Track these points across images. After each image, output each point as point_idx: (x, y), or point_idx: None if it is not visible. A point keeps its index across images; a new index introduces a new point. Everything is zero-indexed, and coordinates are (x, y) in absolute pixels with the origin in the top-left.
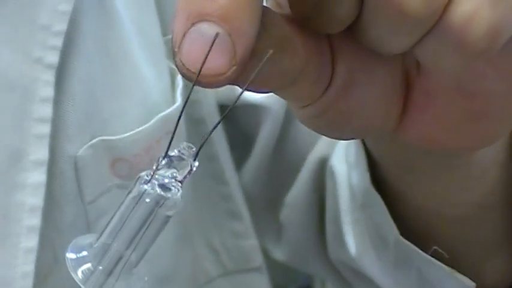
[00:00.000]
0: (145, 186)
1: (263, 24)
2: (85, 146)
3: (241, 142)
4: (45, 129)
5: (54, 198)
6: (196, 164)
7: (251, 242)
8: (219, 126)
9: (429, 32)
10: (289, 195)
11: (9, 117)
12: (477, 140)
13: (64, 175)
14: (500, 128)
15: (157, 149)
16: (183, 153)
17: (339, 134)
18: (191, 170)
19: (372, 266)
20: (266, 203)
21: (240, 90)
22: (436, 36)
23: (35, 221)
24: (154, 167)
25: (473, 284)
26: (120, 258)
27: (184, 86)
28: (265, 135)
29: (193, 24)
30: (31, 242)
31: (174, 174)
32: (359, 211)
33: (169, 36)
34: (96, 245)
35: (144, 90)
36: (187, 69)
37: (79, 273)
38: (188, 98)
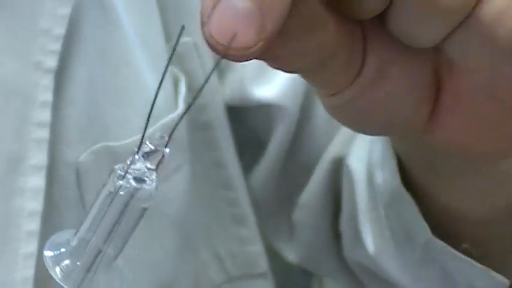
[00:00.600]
0: (121, 182)
1: (296, 3)
2: (86, 152)
3: (253, 142)
4: (44, 133)
5: (54, 203)
6: (168, 150)
7: (257, 248)
8: (227, 130)
9: (459, 25)
10: (302, 196)
11: (8, 122)
12: (504, 148)
13: (65, 180)
14: None
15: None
16: (156, 145)
17: (363, 127)
18: (163, 157)
19: (391, 264)
20: (278, 204)
21: (254, 95)
22: (466, 30)
23: (34, 225)
24: (128, 162)
25: (507, 281)
26: (98, 253)
27: (187, 92)
28: (279, 136)
29: None
30: (31, 247)
31: (148, 166)
32: (381, 209)
33: (173, 43)
34: (74, 241)
35: (145, 96)
36: (215, 40)
37: (57, 270)
38: (191, 105)
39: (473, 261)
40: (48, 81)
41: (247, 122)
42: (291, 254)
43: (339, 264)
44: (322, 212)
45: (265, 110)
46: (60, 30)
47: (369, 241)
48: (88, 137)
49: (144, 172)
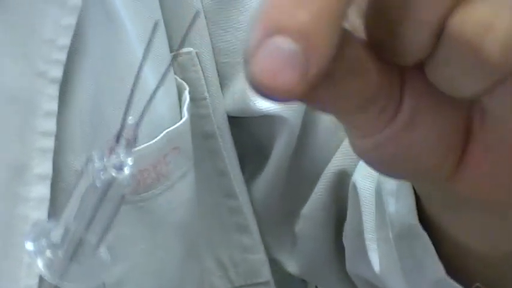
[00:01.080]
0: (102, 176)
1: (340, 47)
2: None
3: (256, 152)
4: (49, 143)
5: (59, 211)
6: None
7: (259, 257)
8: (230, 140)
9: (502, 81)
10: (305, 208)
11: (13, 131)
12: None
13: (69, 189)
14: None
15: (164, 164)
16: (131, 133)
17: (391, 172)
18: (135, 142)
19: (398, 285)
20: (281, 215)
21: (256, 105)
22: (508, 87)
23: None
24: (107, 153)
25: None
26: (80, 242)
27: (192, 101)
28: (281, 147)
29: (269, 36)
30: None
31: (124, 152)
32: (390, 233)
33: (176, 52)
34: (55, 231)
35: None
36: (258, 80)
37: (40, 262)
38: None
39: None
40: (52, 90)
41: (250, 131)
42: (292, 265)
43: (341, 277)
44: (325, 224)
45: (268, 120)
46: (65, 40)
47: (375, 260)
48: (92, 146)
49: (122, 160)
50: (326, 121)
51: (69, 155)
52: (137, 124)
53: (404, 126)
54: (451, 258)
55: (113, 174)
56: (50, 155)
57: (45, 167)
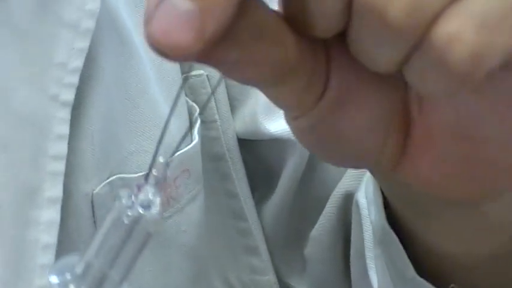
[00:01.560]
0: (129, 212)
1: (244, 10)
2: (102, 184)
3: (265, 176)
4: (60, 166)
5: (69, 235)
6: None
7: (268, 278)
8: (240, 162)
9: (414, 50)
10: (313, 231)
11: (25, 154)
12: (479, 191)
13: (80, 212)
14: (504, 180)
15: (174, 187)
16: (161, 171)
17: (328, 155)
18: (165, 182)
19: None
20: (290, 237)
21: (266, 129)
22: (420, 55)
23: (48, 259)
24: (136, 190)
25: None
26: (103, 278)
27: (202, 123)
28: (290, 170)
29: None
30: (44, 279)
31: (153, 192)
32: (378, 246)
33: (188, 74)
34: (79, 266)
35: (161, 127)
36: (155, 39)
37: None
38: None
39: None
40: (64, 114)
41: (260, 154)
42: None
43: None
44: (333, 246)
45: (278, 144)
46: (78, 63)
47: (374, 279)
48: (104, 169)
49: (150, 198)
50: None
51: (79, 177)
52: (166, 163)
53: (333, 104)
54: (427, 262)
55: (141, 211)
56: (61, 179)
57: (56, 190)
